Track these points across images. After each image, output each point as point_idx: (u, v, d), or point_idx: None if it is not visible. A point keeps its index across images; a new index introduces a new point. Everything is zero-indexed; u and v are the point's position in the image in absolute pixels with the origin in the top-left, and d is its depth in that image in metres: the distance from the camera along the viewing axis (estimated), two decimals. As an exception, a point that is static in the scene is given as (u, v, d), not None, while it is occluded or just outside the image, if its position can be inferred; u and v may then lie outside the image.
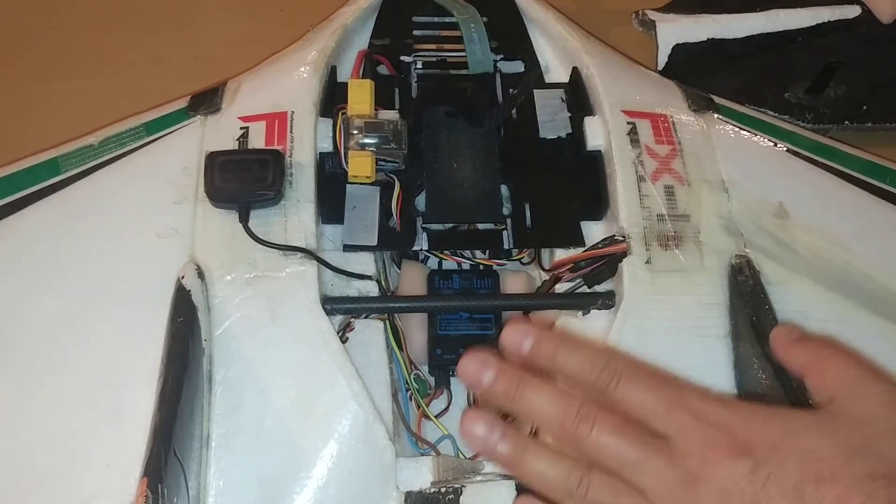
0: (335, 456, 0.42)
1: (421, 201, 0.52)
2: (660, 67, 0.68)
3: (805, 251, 0.50)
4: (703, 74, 0.66)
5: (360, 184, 0.51)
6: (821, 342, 0.37)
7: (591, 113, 0.54)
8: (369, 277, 0.48)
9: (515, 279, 0.52)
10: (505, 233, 0.52)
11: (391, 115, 0.52)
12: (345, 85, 0.52)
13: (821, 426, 0.32)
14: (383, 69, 0.58)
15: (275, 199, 0.47)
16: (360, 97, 0.51)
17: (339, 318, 0.47)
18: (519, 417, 0.35)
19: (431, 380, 0.50)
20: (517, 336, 0.35)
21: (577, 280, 0.49)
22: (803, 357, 0.36)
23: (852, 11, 0.68)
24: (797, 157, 0.56)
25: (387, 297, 0.49)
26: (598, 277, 0.49)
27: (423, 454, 0.47)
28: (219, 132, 0.51)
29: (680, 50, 0.68)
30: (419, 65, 0.60)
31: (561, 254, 0.51)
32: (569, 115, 0.56)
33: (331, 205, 0.50)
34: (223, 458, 0.41)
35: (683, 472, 0.31)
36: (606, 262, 0.48)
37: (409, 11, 0.62)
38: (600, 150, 0.53)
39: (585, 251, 0.49)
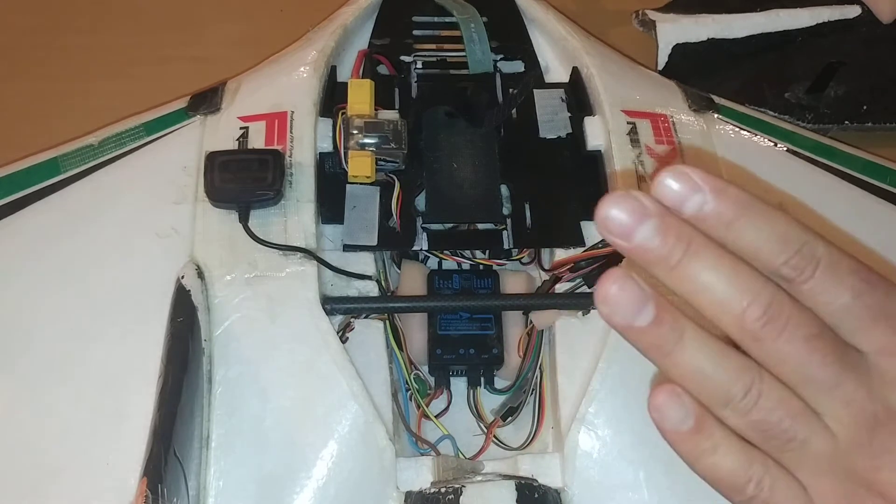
0: (335, 456, 0.42)
1: (421, 201, 0.52)
2: (660, 67, 0.68)
3: (805, 251, 0.50)
4: (703, 74, 0.66)
5: (360, 184, 0.51)
6: None
7: (591, 113, 0.54)
8: (369, 277, 0.48)
9: (515, 279, 0.52)
10: (505, 233, 0.52)
11: (391, 115, 0.52)
12: (345, 85, 0.52)
13: None
14: (383, 69, 0.58)
15: (275, 199, 0.47)
16: (360, 97, 0.51)
17: (339, 318, 0.47)
18: (678, 296, 0.25)
19: (431, 380, 0.50)
20: (687, 182, 0.23)
21: (577, 280, 0.49)
22: None
23: (852, 11, 0.68)
24: (797, 157, 0.56)
25: (387, 297, 0.49)
26: (597, 277, 0.48)
27: (423, 454, 0.47)
28: (219, 132, 0.51)
29: (680, 50, 0.68)
30: (419, 65, 0.59)
31: (561, 254, 0.51)
32: (569, 115, 0.56)
33: (331, 205, 0.50)
34: (223, 458, 0.41)
35: (881, 407, 0.24)
36: (606, 262, 0.48)
37: (409, 11, 0.62)
38: (600, 150, 0.53)
39: (585, 251, 0.49)
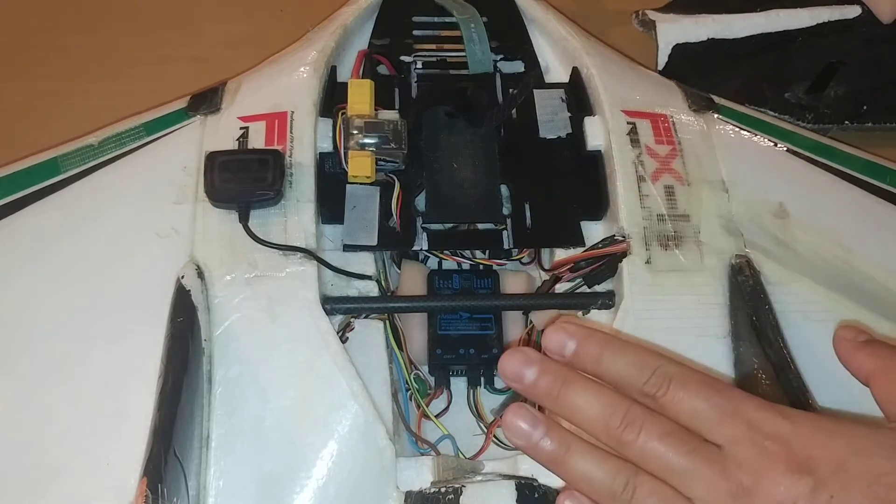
0: (335, 456, 0.42)
1: (421, 201, 0.52)
2: (660, 67, 0.68)
3: (805, 251, 0.50)
4: (703, 74, 0.66)
5: (360, 184, 0.51)
6: (891, 348, 0.35)
7: (591, 113, 0.54)
8: (369, 277, 0.48)
9: (515, 279, 0.52)
10: (505, 233, 0.52)
11: (391, 115, 0.52)
12: (345, 85, 0.52)
13: (892, 446, 0.30)
14: (383, 69, 0.58)
15: (275, 199, 0.47)
16: (360, 97, 0.51)
17: (339, 318, 0.47)
18: (562, 418, 0.33)
19: (431, 380, 0.50)
20: (560, 336, 0.33)
21: (577, 280, 0.49)
22: (871, 364, 0.34)
23: (852, 11, 0.68)
24: (797, 157, 0.56)
25: (387, 297, 0.49)
26: (598, 277, 0.49)
27: (423, 454, 0.47)
28: (219, 132, 0.51)
29: (680, 50, 0.68)
30: (419, 65, 0.59)
31: (561, 254, 0.51)
32: (569, 115, 0.56)
33: (331, 205, 0.50)
34: (223, 458, 0.41)
35: (735, 484, 0.30)
36: (606, 262, 0.48)
37: (409, 11, 0.62)
38: (600, 150, 0.53)
39: (585, 251, 0.49)
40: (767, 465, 0.29)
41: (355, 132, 0.50)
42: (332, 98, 0.54)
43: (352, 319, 0.47)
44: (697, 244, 0.48)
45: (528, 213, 0.52)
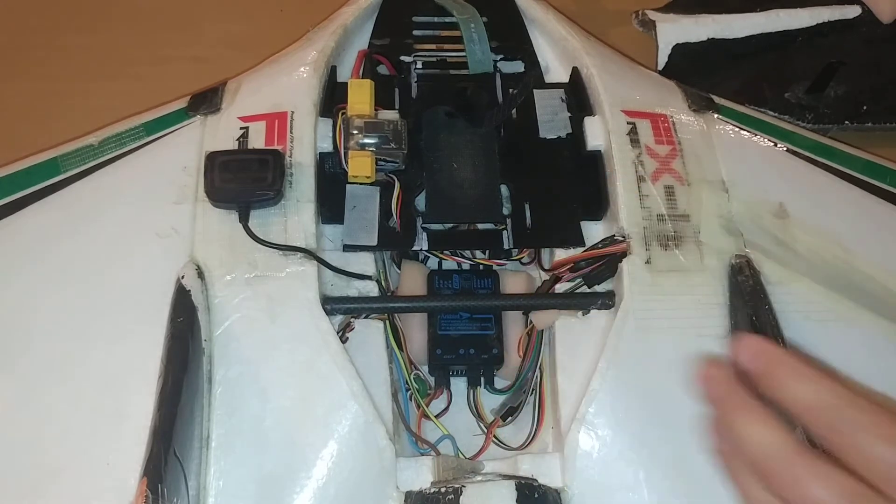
0: (335, 456, 0.42)
1: (421, 201, 0.52)
2: (660, 67, 0.68)
3: (805, 251, 0.50)
4: (703, 74, 0.66)
5: (360, 184, 0.51)
6: None
7: (591, 113, 0.54)
8: (369, 277, 0.48)
9: (515, 279, 0.52)
10: (505, 233, 0.52)
11: (391, 115, 0.52)
12: (345, 85, 0.52)
13: None
14: (383, 69, 0.58)
15: (275, 199, 0.47)
16: (360, 97, 0.51)
17: (339, 318, 0.47)
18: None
19: (431, 380, 0.50)
20: (751, 351, 0.32)
21: (577, 280, 0.49)
22: None
23: (852, 11, 0.68)
24: (797, 157, 0.56)
25: (387, 297, 0.49)
26: (598, 277, 0.49)
27: (423, 454, 0.47)
28: (219, 132, 0.51)
29: (680, 50, 0.68)
30: (419, 65, 0.59)
31: (561, 254, 0.51)
32: (569, 115, 0.56)
33: (331, 205, 0.50)
34: (223, 458, 0.41)
35: None
36: (606, 262, 0.48)
37: (409, 11, 0.62)
38: (600, 150, 0.53)
39: (585, 251, 0.49)
40: None
41: (355, 132, 0.50)
42: (332, 98, 0.54)
43: (352, 319, 0.47)
44: (697, 244, 0.48)
45: (528, 213, 0.52)
